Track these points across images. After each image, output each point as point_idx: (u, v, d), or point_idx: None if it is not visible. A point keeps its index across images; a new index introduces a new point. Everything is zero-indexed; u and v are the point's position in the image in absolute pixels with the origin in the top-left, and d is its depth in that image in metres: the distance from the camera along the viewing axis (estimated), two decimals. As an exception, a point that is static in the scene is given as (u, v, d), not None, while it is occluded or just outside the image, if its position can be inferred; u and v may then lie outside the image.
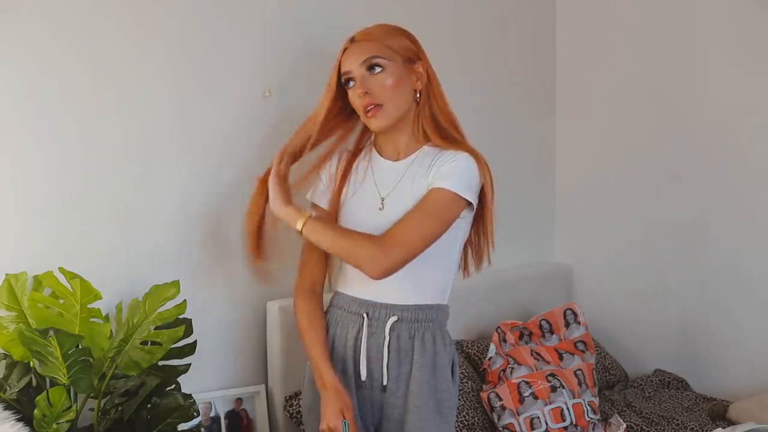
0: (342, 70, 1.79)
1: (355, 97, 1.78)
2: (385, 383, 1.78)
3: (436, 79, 1.84)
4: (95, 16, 1.95)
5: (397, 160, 1.83)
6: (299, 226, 1.75)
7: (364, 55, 1.75)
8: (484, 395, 2.41)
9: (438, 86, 1.83)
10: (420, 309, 1.79)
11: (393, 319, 1.77)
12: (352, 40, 1.81)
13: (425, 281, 1.79)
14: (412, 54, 1.80)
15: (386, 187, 1.81)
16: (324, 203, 1.88)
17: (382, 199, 1.80)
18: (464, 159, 1.75)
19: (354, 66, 1.76)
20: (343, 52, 1.80)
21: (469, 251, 1.88)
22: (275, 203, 1.80)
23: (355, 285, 1.82)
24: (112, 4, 1.98)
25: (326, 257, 1.89)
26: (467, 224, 1.82)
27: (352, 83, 1.78)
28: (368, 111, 1.76)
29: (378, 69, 1.75)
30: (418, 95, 1.80)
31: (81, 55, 1.94)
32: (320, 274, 1.90)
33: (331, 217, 1.85)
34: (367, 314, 1.79)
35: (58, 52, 1.90)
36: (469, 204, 1.75)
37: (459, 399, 2.35)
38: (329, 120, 1.85)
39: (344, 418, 1.71)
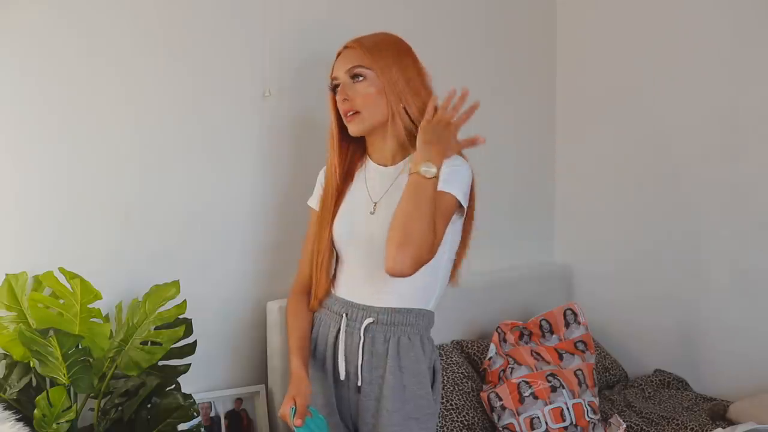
0: (332, 76, 1.85)
1: (339, 101, 1.83)
2: (359, 384, 1.80)
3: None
4: (96, 18, 1.95)
5: (387, 165, 1.85)
6: None
7: (349, 64, 1.81)
8: (484, 395, 2.41)
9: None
10: (398, 313, 1.78)
11: (368, 320, 1.78)
12: (345, 47, 1.85)
13: (406, 285, 1.75)
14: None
15: (377, 192, 1.83)
16: (314, 205, 1.94)
17: (375, 204, 1.82)
18: (464, 166, 1.76)
19: (340, 73, 1.83)
20: (337, 58, 1.85)
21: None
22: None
23: (341, 286, 1.86)
24: (113, 5, 1.98)
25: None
26: (457, 232, 1.82)
27: (338, 89, 1.83)
28: (348, 115, 1.81)
29: (360, 78, 1.79)
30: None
31: (81, 56, 1.94)
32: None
33: (321, 218, 1.88)
34: (346, 314, 1.81)
35: (58, 53, 1.90)
36: (460, 209, 1.76)
37: (459, 399, 2.35)
38: (341, 130, 1.86)
39: (294, 404, 1.72)
